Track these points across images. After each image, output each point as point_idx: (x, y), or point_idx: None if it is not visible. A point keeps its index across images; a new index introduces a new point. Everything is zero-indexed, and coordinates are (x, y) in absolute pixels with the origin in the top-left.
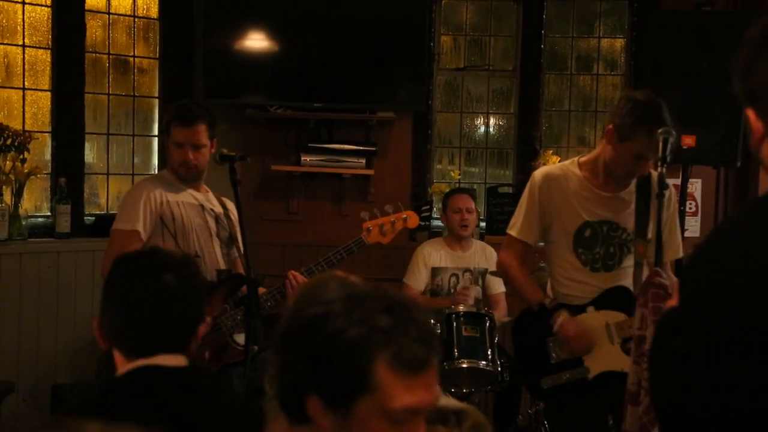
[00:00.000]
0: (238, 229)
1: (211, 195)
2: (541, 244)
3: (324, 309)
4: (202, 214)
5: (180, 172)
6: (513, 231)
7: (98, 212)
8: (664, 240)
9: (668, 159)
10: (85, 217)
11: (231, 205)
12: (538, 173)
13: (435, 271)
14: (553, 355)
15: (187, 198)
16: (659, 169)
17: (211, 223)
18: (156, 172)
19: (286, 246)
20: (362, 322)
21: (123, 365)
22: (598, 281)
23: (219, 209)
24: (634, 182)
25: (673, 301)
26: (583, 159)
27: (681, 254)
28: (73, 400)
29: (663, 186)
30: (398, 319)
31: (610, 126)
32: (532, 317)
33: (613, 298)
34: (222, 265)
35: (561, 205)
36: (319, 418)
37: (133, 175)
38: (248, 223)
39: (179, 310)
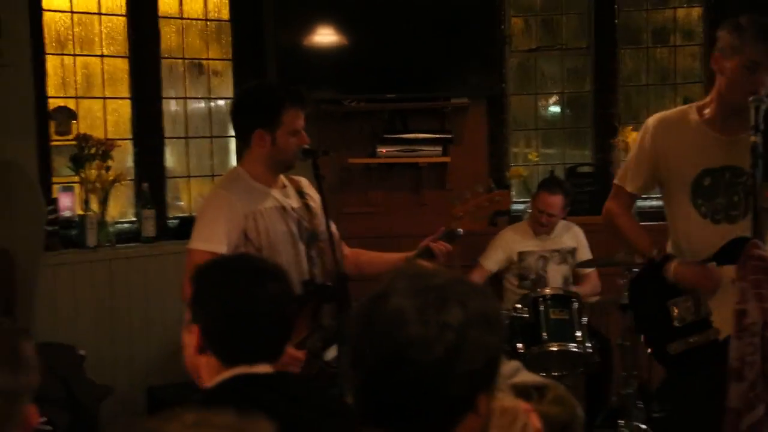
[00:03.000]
0: (320, 214)
1: (289, 188)
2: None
3: (463, 311)
4: (285, 218)
5: (295, 161)
6: (620, 180)
7: (181, 215)
8: None
9: (761, 127)
10: (169, 221)
11: (307, 186)
12: (652, 118)
13: (522, 255)
14: (677, 317)
15: (269, 202)
16: (753, 138)
17: (294, 228)
18: None
19: (367, 239)
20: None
21: (218, 372)
22: (722, 234)
23: (298, 202)
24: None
25: None
26: (701, 102)
27: None
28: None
29: (758, 156)
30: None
31: (716, 53)
32: (648, 278)
33: (736, 252)
34: (307, 275)
35: (676, 151)
36: None
37: (213, 176)
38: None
39: (280, 319)
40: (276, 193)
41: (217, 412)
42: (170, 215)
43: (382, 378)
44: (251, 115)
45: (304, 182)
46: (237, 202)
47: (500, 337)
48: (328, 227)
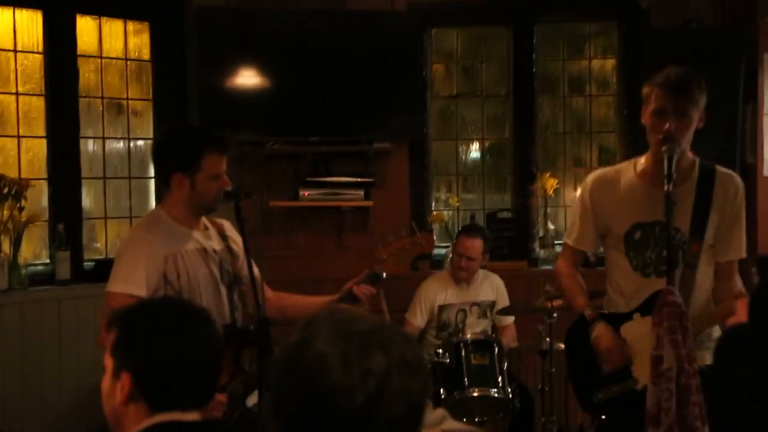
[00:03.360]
0: (242, 257)
1: (211, 230)
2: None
3: (386, 358)
4: (206, 260)
5: (215, 205)
6: (568, 239)
7: (98, 257)
8: (725, 236)
9: (674, 176)
10: (85, 263)
11: (229, 229)
12: (590, 176)
13: (441, 309)
14: (603, 367)
15: (190, 244)
16: (666, 187)
17: (215, 271)
18: None
19: (289, 282)
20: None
21: (142, 420)
22: (651, 287)
23: (220, 245)
24: (696, 176)
25: (739, 317)
26: (641, 157)
27: (744, 254)
28: None
29: (671, 203)
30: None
31: (642, 107)
32: (582, 329)
33: None
34: (228, 318)
35: (610, 206)
36: None
37: (131, 217)
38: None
39: (214, 363)
40: (197, 235)
41: None
42: (86, 257)
43: (303, 425)
44: (170, 158)
45: (227, 225)
46: (157, 244)
47: (424, 384)
48: (250, 270)
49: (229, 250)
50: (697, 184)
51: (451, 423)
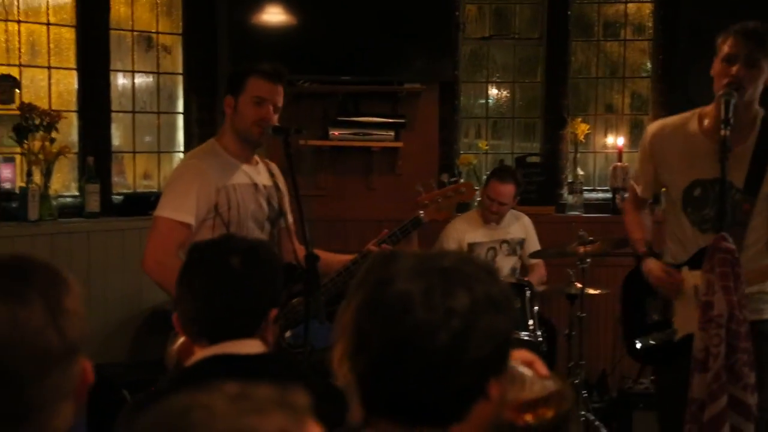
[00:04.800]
0: (286, 198)
1: (261, 166)
2: None
3: (470, 296)
4: (256, 196)
5: (252, 133)
6: (632, 178)
7: (126, 191)
8: None
9: (731, 121)
10: (113, 196)
11: (276, 169)
12: (651, 126)
13: (471, 247)
14: (648, 314)
15: (242, 178)
16: (722, 131)
17: (264, 206)
18: (182, 149)
19: (315, 222)
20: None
21: (197, 355)
22: (707, 243)
23: (269, 181)
24: (756, 132)
25: None
26: (705, 109)
27: None
28: (143, 394)
29: (725, 149)
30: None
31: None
32: (636, 276)
33: None
34: None
35: (671, 160)
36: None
37: (159, 152)
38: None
39: (246, 295)
40: (248, 169)
41: (258, 384)
42: (115, 191)
43: (386, 365)
44: (227, 84)
45: (273, 165)
46: (210, 175)
47: (509, 320)
48: (299, 207)
49: (276, 186)
50: (756, 140)
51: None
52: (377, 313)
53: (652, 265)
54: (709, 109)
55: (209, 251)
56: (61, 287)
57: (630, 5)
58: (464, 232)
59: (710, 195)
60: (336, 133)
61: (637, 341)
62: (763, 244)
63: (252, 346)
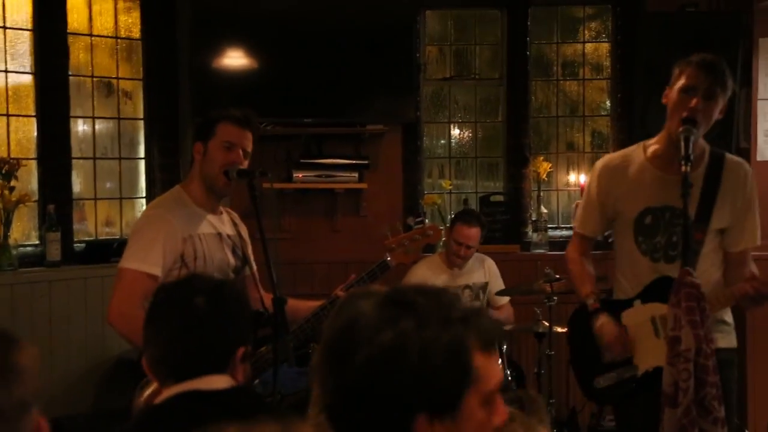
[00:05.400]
0: (249, 247)
1: (225, 216)
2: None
3: (395, 332)
4: (222, 246)
5: (219, 180)
6: (575, 223)
7: (88, 239)
8: (738, 225)
9: (691, 157)
10: (75, 244)
11: (238, 218)
12: (599, 162)
13: None
14: (605, 354)
15: (207, 228)
16: (683, 168)
17: (230, 256)
18: (144, 195)
19: (281, 265)
20: (444, 321)
21: (163, 394)
22: (659, 273)
23: (232, 230)
24: (705, 163)
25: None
26: (651, 140)
27: (758, 241)
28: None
29: (687, 185)
30: (460, 304)
31: (667, 88)
32: (585, 315)
33: (661, 290)
34: None
35: (620, 191)
36: None
37: (121, 199)
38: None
39: (212, 334)
40: (213, 218)
41: (259, 421)
42: (76, 238)
43: (339, 407)
44: (196, 130)
45: (236, 215)
46: (176, 224)
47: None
48: (266, 251)
49: (240, 236)
50: (705, 172)
51: None
52: (332, 355)
53: (603, 323)
54: (656, 138)
55: (174, 292)
56: (7, 345)
57: (588, 45)
58: (425, 278)
59: (660, 223)
60: (300, 175)
61: (596, 381)
62: (712, 276)
63: (220, 382)
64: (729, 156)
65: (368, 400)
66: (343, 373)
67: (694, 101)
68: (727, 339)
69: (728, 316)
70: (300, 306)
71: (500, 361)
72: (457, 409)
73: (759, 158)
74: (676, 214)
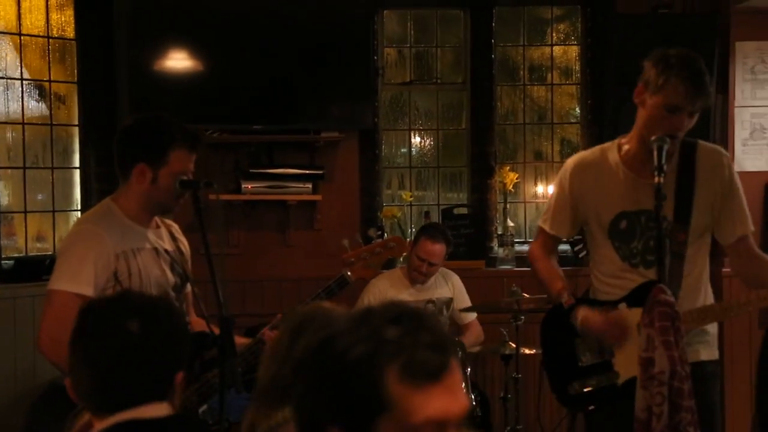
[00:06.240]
0: (189, 262)
1: (162, 229)
2: None
3: (329, 331)
4: (158, 262)
5: (172, 205)
6: (542, 222)
7: (17, 255)
8: (725, 214)
9: (664, 168)
10: (3, 261)
11: (177, 231)
12: (570, 160)
13: None
14: (582, 357)
15: (142, 243)
16: (656, 179)
17: (168, 273)
18: (79, 207)
19: (229, 282)
20: (369, 337)
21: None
22: (639, 278)
23: (170, 245)
24: (676, 161)
25: None
26: (624, 139)
27: (751, 227)
28: None
29: (660, 197)
30: (407, 329)
31: (640, 84)
32: (559, 315)
33: (646, 295)
34: None
35: (594, 194)
36: None
37: (53, 212)
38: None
39: (148, 361)
40: (150, 234)
41: None
42: (4, 255)
43: None
44: (137, 146)
45: (175, 227)
46: (108, 240)
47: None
48: (211, 267)
49: (180, 251)
50: (678, 168)
51: None
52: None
53: (587, 314)
54: (627, 138)
55: (103, 314)
56: None
57: (556, 48)
58: (386, 292)
59: (636, 227)
60: (249, 186)
61: (572, 385)
62: (700, 275)
63: (157, 410)
64: (702, 144)
65: (300, 394)
66: (285, 361)
67: (677, 121)
68: (709, 351)
69: (711, 326)
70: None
71: (463, 385)
72: None
73: (737, 168)
74: (652, 218)
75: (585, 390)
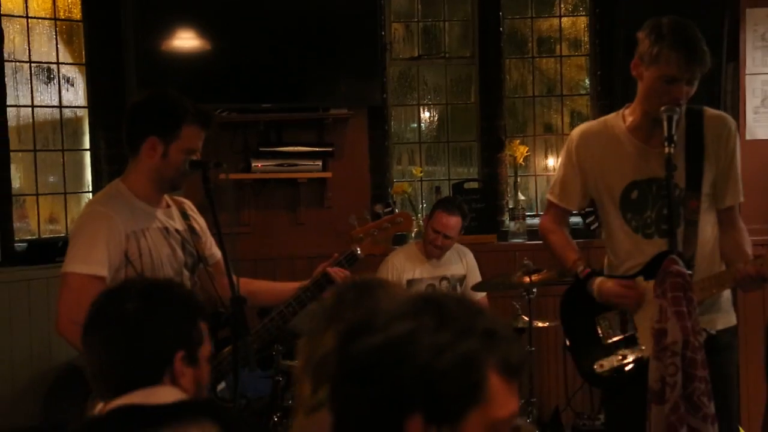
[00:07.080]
0: (206, 239)
1: (173, 208)
2: None
3: (412, 324)
4: (168, 240)
5: (180, 182)
6: (551, 195)
7: (30, 237)
8: (722, 182)
9: (674, 138)
10: (16, 244)
11: (191, 208)
12: (576, 130)
13: (410, 284)
14: (605, 335)
15: (152, 222)
16: (667, 149)
17: (179, 252)
18: (90, 189)
19: (241, 261)
20: (465, 330)
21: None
22: (654, 249)
23: (182, 224)
24: (683, 128)
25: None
26: (626, 109)
27: (741, 198)
28: None
29: (671, 168)
30: (492, 323)
31: (636, 57)
32: (577, 294)
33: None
34: None
35: (602, 164)
36: None
37: (65, 194)
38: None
39: (144, 341)
40: (159, 213)
41: None
42: (17, 237)
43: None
44: (149, 119)
45: (188, 204)
46: (118, 221)
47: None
48: (222, 246)
49: (192, 229)
50: (686, 136)
51: None
52: (347, 335)
53: (604, 284)
54: (630, 109)
55: (105, 301)
56: None
57: (564, 19)
58: (403, 270)
59: (648, 196)
60: (259, 165)
61: (598, 365)
62: (712, 239)
63: (165, 395)
64: (708, 111)
65: (369, 386)
66: (351, 354)
67: (676, 91)
68: (725, 317)
69: (727, 295)
70: (278, 288)
71: None
72: (457, 424)
73: (748, 137)
74: (663, 186)
75: (615, 365)
